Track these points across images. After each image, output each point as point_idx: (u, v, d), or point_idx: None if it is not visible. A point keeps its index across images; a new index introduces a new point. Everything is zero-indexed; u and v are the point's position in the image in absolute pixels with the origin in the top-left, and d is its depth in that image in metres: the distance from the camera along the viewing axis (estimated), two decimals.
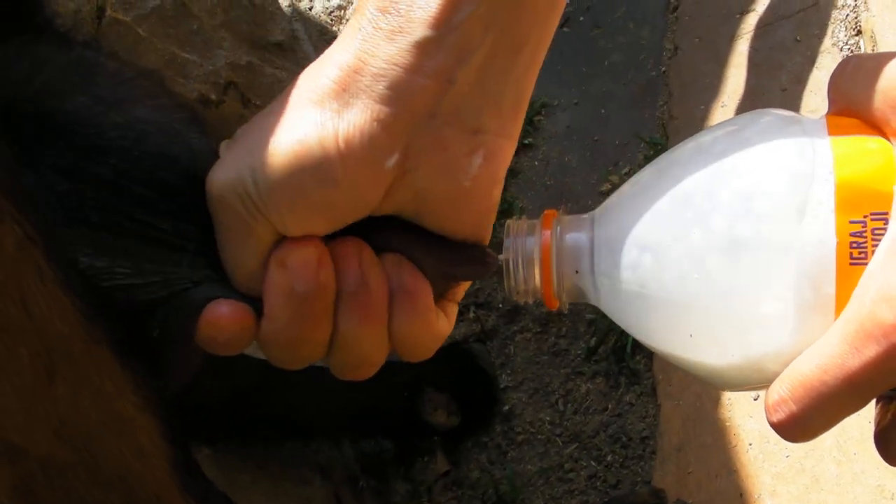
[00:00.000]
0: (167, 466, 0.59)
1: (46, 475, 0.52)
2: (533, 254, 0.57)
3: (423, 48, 0.52)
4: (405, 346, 0.60)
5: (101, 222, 0.55)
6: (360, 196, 0.55)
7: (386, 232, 0.58)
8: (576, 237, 0.56)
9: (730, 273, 0.49)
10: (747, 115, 0.54)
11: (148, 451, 0.57)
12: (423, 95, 0.53)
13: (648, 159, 1.53)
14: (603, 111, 1.65)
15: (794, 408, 0.48)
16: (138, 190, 0.57)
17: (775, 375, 0.49)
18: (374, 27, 0.53)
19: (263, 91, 1.54)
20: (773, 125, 0.51)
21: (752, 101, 1.48)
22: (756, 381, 0.51)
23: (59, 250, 0.50)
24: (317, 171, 0.53)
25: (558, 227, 0.57)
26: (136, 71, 0.62)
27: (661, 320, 0.53)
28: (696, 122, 1.53)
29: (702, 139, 0.53)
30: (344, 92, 0.53)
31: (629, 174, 1.54)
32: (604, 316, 1.42)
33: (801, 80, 1.44)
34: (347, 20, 1.89)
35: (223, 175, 0.56)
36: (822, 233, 0.47)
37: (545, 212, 0.58)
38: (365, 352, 0.59)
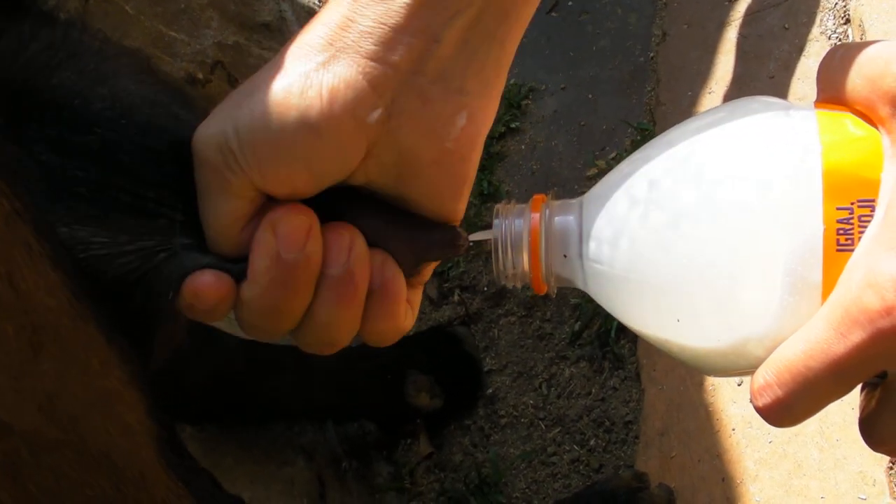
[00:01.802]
0: (153, 444, 0.58)
1: (32, 452, 0.51)
2: (522, 238, 0.57)
3: (411, 8, 0.53)
4: (371, 335, 0.61)
5: (84, 192, 0.55)
6: (342, 150, 0.55)
7: (361, 209, 0.59)
8: (564, 222, 0.56)
9: (716, 258, 0.49)
10: (735, 102, 0.54)
11: (134, 429, 0.57)
12: (409, 52, 0.54)
13: (636, 144, 1.53)
14: (590, 96, 1.65)
15: (779, 392, 0.48)
16: (124, 159, 0.57)
17: (759, 361, 0.50)
18: None
19: (250, 71, 1.53)
20: (762, 113, 0.52)
21: (739, 87, 1.48)
22: (741, 366, 0.52)
23: (48, 224, 0.50)
24: (299, 120, 0.54)
25: (547, 212, 0.57)
26: (119, 49, 0.62)
27: (647, 305, 0.53)
28: (683, 108, 1.53)
29: (690, 126, 0.54)
30: (330, 46, 0.54)
31: (616, 159, 1.54)
32: (589, 300, 1.42)
33: (788, 68, 1.44)
34: None
35: (206, 130, 0.56)
36: (809, 219, 0.47)
37: (534, 196, 0.58)
38: (333, 335, 0.60)
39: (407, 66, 0.54)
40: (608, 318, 1.39)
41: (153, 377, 0.58)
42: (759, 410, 0.50)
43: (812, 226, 0.47)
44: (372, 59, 0.54)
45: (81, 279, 0.52)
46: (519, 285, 0.59)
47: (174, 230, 0.57)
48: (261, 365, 1.23)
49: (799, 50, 1.45)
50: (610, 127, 1.59)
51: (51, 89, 0.57)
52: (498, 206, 0.59)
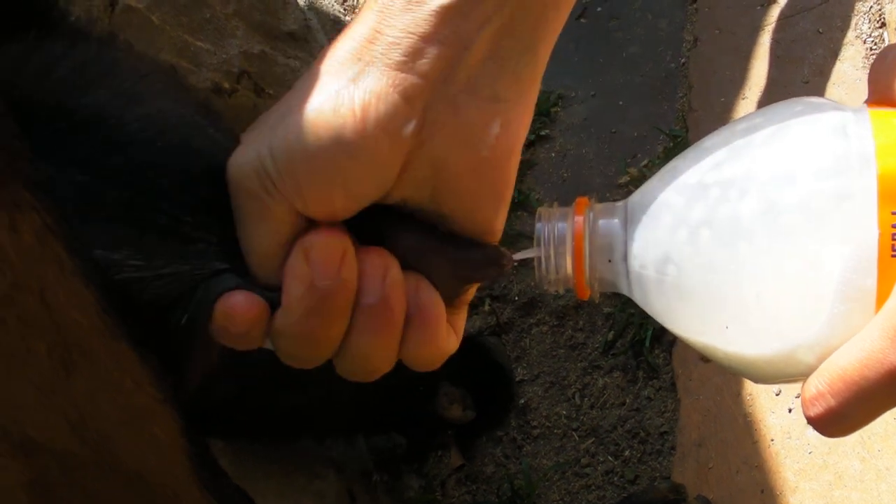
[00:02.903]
0: (186, 462, 0.58)
1: (63, 471, 0.51)
2: (565, 241, 0.56)
3: (439, 16, 0.52)
4: (412, 361, 0.59)
5: (119, 215, 0.54)
6: (378, 166, 0.54)
7: (399, 230, 0.58)
8: (609, 225, 0.55)
9: (767, 265, 0.48)
10: (784, 104, 0.53)
11: (166, 447, 0.56)
12: (439, 61, 0.53)
13: (668, 151, 1.52)
14: (620, 103, 1.64)
15: (832, 402, 0.47)
16: (159, 182, 0.56)
17: (808, 368, 0.48)
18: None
19: (276, 80, 1.54)
20: (812, 114, 0.50)
21: (773, 93, 1.47)
22: (790, 374, 0.50)
23: (80, 241, 0.49)
24: (333, 139, 0.53)
25: (591, 215, 0.56)
26: (153, 65, 0.62)
27: (694, 311, 0.52)
28: (716, 114, 1.52)
29: (737, 127, 0.52)
30: (359, 61, 0.53)
31: (648, 167, 1.54)
32: (622, 309, 1.41)
33: (823, 73, 1.43)
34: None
35: (242, 155, 0.55)
36: (863, 224, 0.46)
37: (577, 199, 0.57)
38: (372, 364, 0.59)
39: (437, 75, 0.53)
40: (642, 327, 1.38)
41: (185, 393, 0.58)
42: (811, 420, 0.48)
43: (867, 231, 0.46)
44: (401, 71, 0.53)
45: (114, 296, 0.51)
46: (562, 290, 0.57)
47: (209, 255, 0.56)
48: (289, 379, 1.22)
49: (833, 54, 1.43)
50: (641, 134, 1.58)
51: (83, 109, 0.57)
52: (540, 209, 0.58)
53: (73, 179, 0.54)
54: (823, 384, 0.47)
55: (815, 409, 0.48)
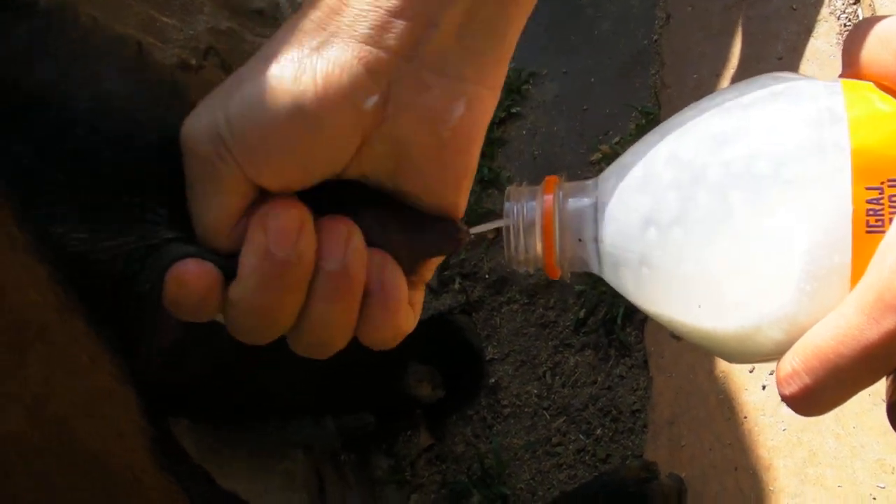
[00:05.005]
0: (146, 445, 0.57)
1: (20, 457, 0.50)
2: (535, 221, 0.55)
3: None
4: (368, 339, 0.58)
5: (63, 196, 0.53)
6: (337, 138, 0.53)
7: (357, 204, 0.57)
8: (579, 204, 0.54)
9: (739, 240, 0.47)
10: (757, 79, 0.52)
11: (125, 429, 0.56)
12: (406, 36, 0.52)
13: (640, 128, 1.51)
14: (592, 80, 1.63)
15: (807, 380, 0.46)
16: (108, 160, 0.54)
17: (779, 345, 0.48)
18: None
19: (244, 57, 1.52)
20: (785, 88, 0.49)
21: (746, 69, 1.47)
22: (761, 352, 0.49)
23: (32, 215, 0.48)
24: (292, 107, 0.52)
25: (561, 194, 0.55)
26: (106, 39, 0.60)
27: (665, 289, 0.51)
28: (689, 90, 1.51)
29: (709, 103, 0.51)
30: (323, 30, 0.52)
31: (620, 144, 1.53)
32: (593, 287, 1.40)
33: (797, 49, 1.42)
34: None
35: (195, 121, 0.54)
36: (837, 200, 0.45)
37: (547, 178, 0.56)
38: (329, 335, 0.57)
39: (403, 50, 0.52)
40: (613, 305, 1.38)
41: (151, 372, 0.56)
42: (785, 399, 0.48)
43: (840, 206, 0.45)
44: (367, 43, 0.52)
45: (69, 271, 0.50)
46: (531, 270, 0.57)
47: (158, 226, 0.54)
48: (259, 359, 1.21)
49: (807, 31, 1.43)
50: (613, 111, 1.58)
51: (30, 84, 0.55)
52: (509, 188, 0.57)
53: (17, 157, 0.52)
54: (798, 362, 0.46)
55: (791, 388, 0.47)
